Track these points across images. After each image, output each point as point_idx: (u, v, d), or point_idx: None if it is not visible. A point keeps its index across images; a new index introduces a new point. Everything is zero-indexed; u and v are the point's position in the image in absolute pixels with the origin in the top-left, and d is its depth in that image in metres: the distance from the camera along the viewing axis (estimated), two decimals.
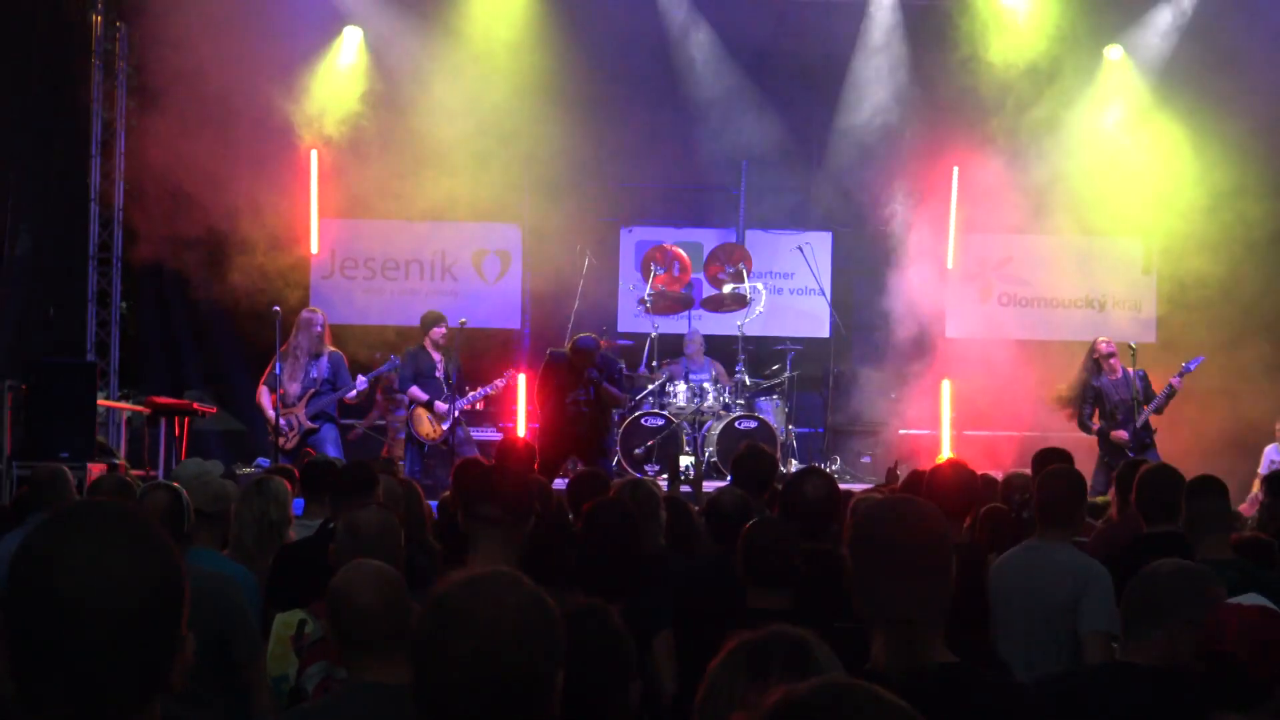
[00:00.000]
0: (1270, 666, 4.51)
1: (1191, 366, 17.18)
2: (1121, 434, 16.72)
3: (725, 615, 5.92)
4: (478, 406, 18.57)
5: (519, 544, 6.09)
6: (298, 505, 9.49)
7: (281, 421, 16.96)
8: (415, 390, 17.68)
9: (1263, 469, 18.01)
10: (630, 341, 19.84)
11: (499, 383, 18.04)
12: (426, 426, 17.60)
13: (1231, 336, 19.18)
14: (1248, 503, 15.01)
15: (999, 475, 11.81)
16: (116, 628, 2.60)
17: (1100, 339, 17.34)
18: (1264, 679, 4.51)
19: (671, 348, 19.66)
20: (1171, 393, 17.01)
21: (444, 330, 17.95)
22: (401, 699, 4.73)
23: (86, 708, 2.62)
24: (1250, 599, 4.69)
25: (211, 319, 20.44)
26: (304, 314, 17.35)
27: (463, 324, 17.76)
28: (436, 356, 17.86)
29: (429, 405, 17.61)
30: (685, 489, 12.39)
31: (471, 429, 18.92)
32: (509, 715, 3.06)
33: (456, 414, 17.56)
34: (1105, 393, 17.02)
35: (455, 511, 6.74)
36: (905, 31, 20.62)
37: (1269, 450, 18.43)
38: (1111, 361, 17.07)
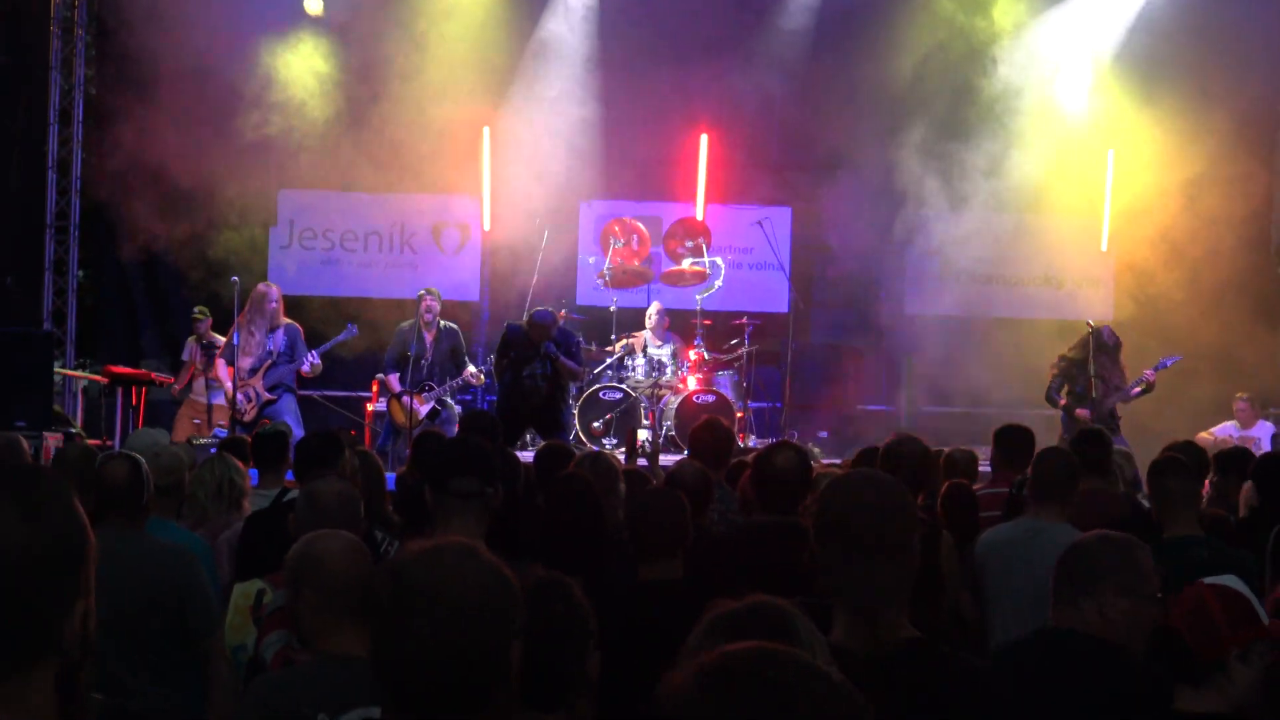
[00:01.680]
0: (1211, 647, 4.55)
1: (1168, 363, 17.20)
2: (1084, 412, 16.73)
3: None
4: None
5: (488, 515, 6.04)
6: (253, 476, 9.46)
7: (239, 395, 16.90)
8: (393, 379, 17.59)
9: (1219, 432, 18.14)
10: (582, 317, 19.76)
11: (469, 373, 17.85)
12: (399, 414, 17.52)
13: (1190, 315, 19.25)
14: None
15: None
16: None
17: (1107, 326, 17.30)
18: (1207, 658, 4.55)
19: (630, 321, 19.62)
20: (1145, 388, 17.01)
21: (433, 303, 17.76)
22: (350, 672, 4.76)
23: None
24: (1229, 580, 4.72)
25: (170, 289, 20.34)
26: (259, 288, 17.26)
27: (421, 296, 17.69)
28: (427, 337, 17.71)
29: (398, 397, 17.51)
30: (642, 462, 12.38)
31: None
32: (467, 687, 3.06)
33: (433, 404, 17.48)
34: (1077, 372, 17.01)
35: (415, 485, 6.70)
36: (865, 7, 20.58)
37: (1227, 427, 18.51)
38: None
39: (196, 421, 17.78)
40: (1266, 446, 18.04)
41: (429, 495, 6.09)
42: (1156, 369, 17.04)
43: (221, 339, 17.85)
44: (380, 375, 17.89)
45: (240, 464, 8.96)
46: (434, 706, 3.06)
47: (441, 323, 17.83)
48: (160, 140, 18.96)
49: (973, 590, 7.87)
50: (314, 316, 18.66)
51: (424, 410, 17.44)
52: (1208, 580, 4.72)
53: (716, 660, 2.55)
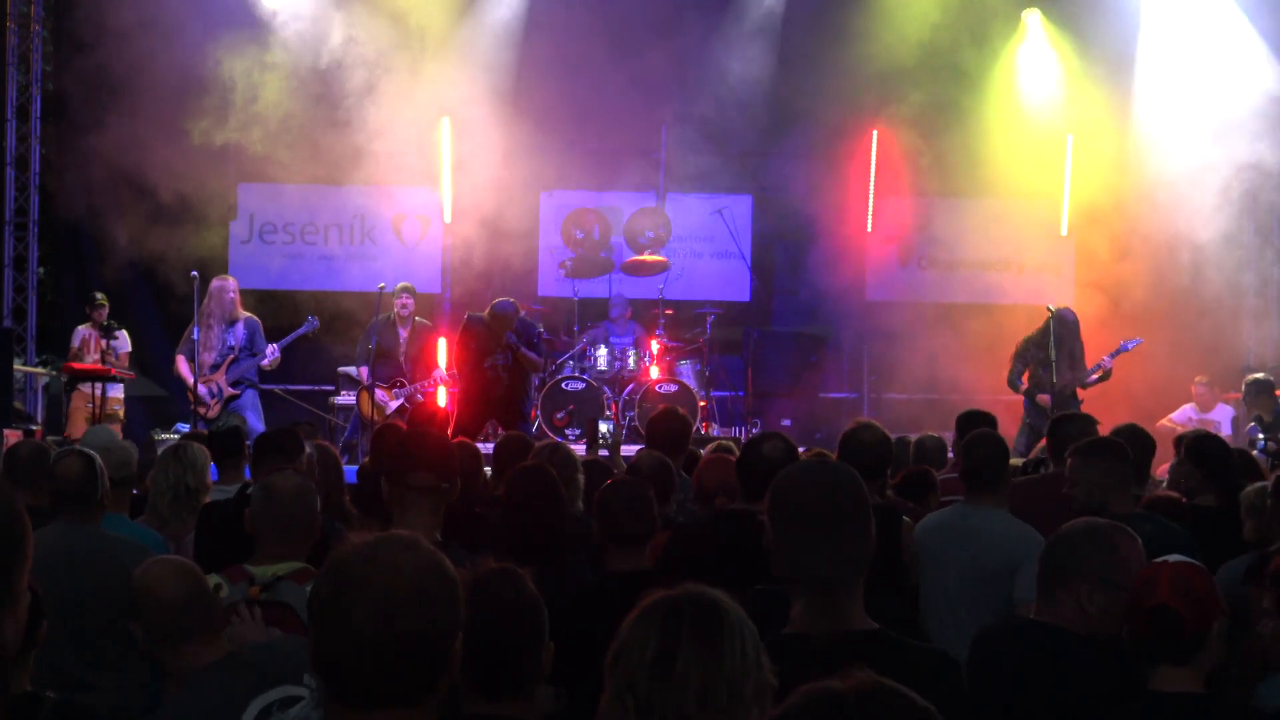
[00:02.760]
0: (1203, 619, 4.55)
1: (1128, 346, 17.19)
2: (1045, 397, 16.72)
3: None
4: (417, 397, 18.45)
5: (443, 509, 6.06)
6: (213, 471, 9.41)
7: (203, 389, 16.85)
8: (364, 371, 17.56)
9: (1178, 417, 18.18)
10: (542, 307, 19.74)
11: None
12: (366, 408, 17.50)
13: (1147, 299, 19.31)
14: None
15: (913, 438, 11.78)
16: None
17: (1065, 308, 17.27)
18: (1197, 631, 4.54)
19: (592, 312, 19.62)
20: (1104, 374, 16.98)
21: (408, 301, 17.78)
22: (226, 675, 4.75)
23: None
24: (1175, 559, 4.72)
25: (130, 285, 20.26)
26: (215, 282, 17.20)
27: (381, 289, 17.66)
28: (402, 333, 17.71)
29: (370, 389, 17.49)
30: (603, 453, 12.36)
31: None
32: (405, 677, 3.06)
33: (403, 401, 17.47)
34: (1039, 356, 16.95)
35: (376, 478, 6.69)
36: None
37: (1185, 410, 18.55)
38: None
39: (90, 406, 17.63)
40: (1227, 430, 18.09)
41: (385, 487, 6.08)
42: (1115, 354, 17.02)
43: (120, 331, 17.79)
44: (350, 369, 17.83)
45: (199, 459, 8.89)
46: (372, 697, 3.06)
47: (416, 319, 17.84)
48: (119, 135, 18.90)
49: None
50: (275, 310, 18.59)
51: (393, 406, 17.43)
52: (1172, 559, 4.72)
53: (812, 695, 2.67)
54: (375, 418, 17.16)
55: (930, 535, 7.62)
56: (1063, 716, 4.95)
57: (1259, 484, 7.97)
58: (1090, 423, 9.22)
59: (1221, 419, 18.40)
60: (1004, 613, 7.16)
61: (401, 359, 17.69)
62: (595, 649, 4.04)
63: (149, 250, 19.30)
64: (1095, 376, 16.91)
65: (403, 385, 17.52)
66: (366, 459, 10.50)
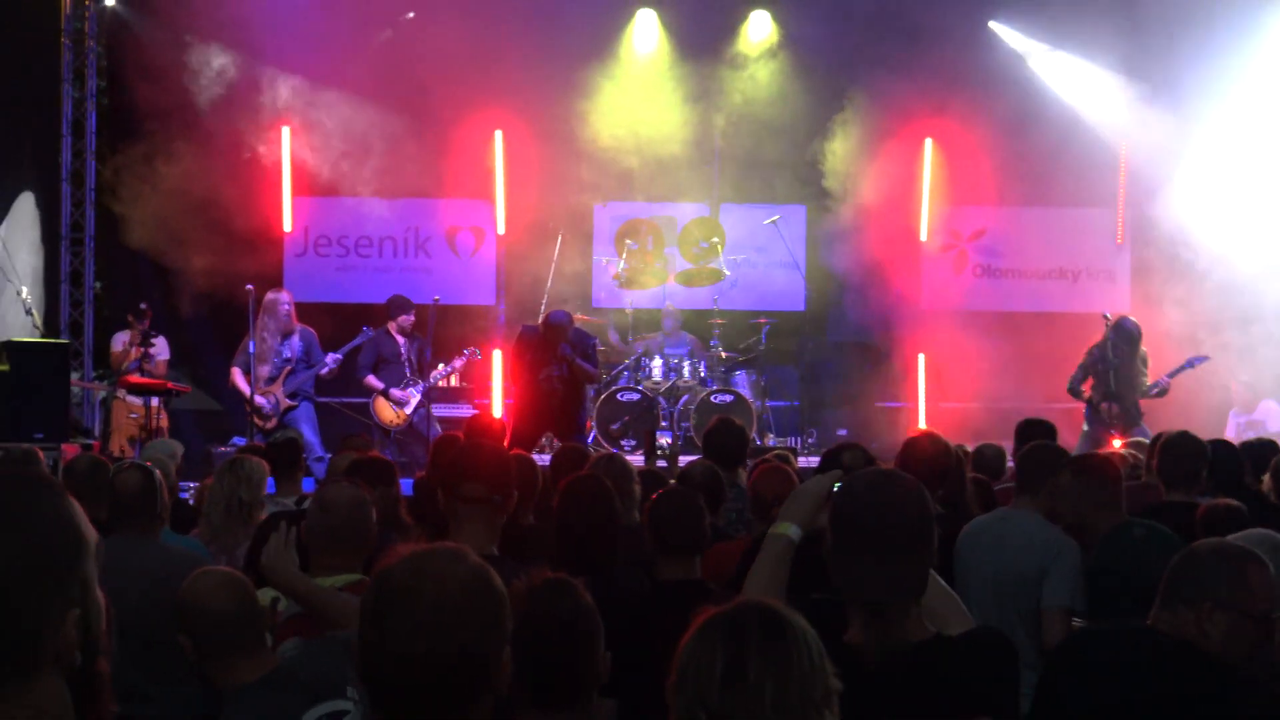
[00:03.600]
0: None
1: (1195, 363, 17.13)
2: (1108, 405, 16.63)
3: None
4: (453, 381, 18.53)
5: (500, 521, 6.07)
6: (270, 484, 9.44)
7: (262, 401, 16.94)
8: (371, 379, 17.69)
9: (1230, 433, 18.04)
10: (597, 318, 19.75)
11: (458, 362, 17.96)
12: (389, 414, 17.62)
13: (1207, 310, 19.20)
14: None
15: (971, 447, 11.76)
16: None
17: (1126, 317, 17.19)
18: None
19: (647, 322, 19.63)
20: (1160, 392, 16.87)
21: (412, 318, 17.92)
22: (269, 691, 4.76)
23: None
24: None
25: (186, 298, 20.32)
26: (269, 295, 17.32)
27: (436, 301, 17.76)
28: (400, 341, 17.84)
29: (385, 393, 17.58)
30: (661, 463, 12.37)
31: (447, 405, 18.88)
32: (452, 689, 3.07)
33: (419, 397, 17.55)
34: (1102, 364, 16.87)
35: (433, 490, 6.70)
36: (875, 5, 20.52)
37: (1232, 415, 18.46)
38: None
39: (134, 415, 17.73)
40: (1273, 427, 18.01)
41: (441, 499, 6.09)
42: (1176, 372, 16.95)
43: (159, 339, 17.90)
44: (377, 384, 17.87)
45: (254, 473, 8.90)
46: (418, 707, 3.08)
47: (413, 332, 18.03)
48: (174, 150, 19.01)
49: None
50: (330, 323, 18.63)
51: (411, 404, 17.52)
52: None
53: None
54: (398, 420, 17.30)
55: (965, 539, 7.64)
56: None
57: None
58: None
59: (1265, 417, 18.30)
60: (1031, 617, 7.22)
61: (405, 364, 17.76)
62: (646, 658, 4.03)
63: (204, 264, 19.35)
64: (1155, 392, 16.81)
65: (415, 383, 17.63)
66: (421, 472, 10.54)
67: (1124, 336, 16.67)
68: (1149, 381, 16.83)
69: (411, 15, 20.13)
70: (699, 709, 3.25)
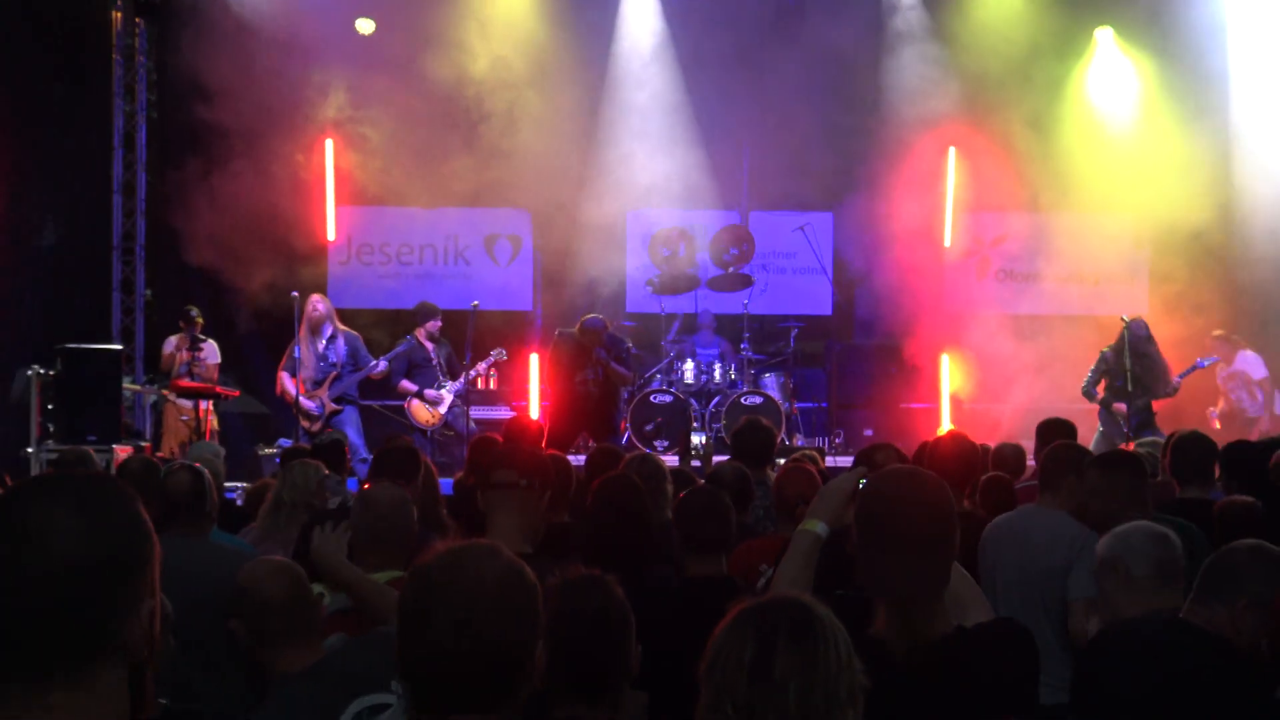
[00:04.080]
0: None
1: (1203, 364, 17.15)
2: (1121, 406, 16.65)
3: None
4: (491, 384, 18.57)
5: (533, 513, 6.06)
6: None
7: (310, 404, 17.02)
8: (404, 384, 17.76)
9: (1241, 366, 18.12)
10: (630, 323, 19.78)
11: (482, 366, 17.97)
12: (424, 415, 17.68)
13: (1225, 313, 19.18)
14: None
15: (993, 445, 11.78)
16: (45, 585, 2.58)
17: (1138, 319, 17.18)
18: None
19: (680, 327, 19.65)
20: (1171, 391, 16.88)
21: (439, 322, 17.98)
22: (324, 679, 4.78)
23: (26, 659, 2.61)
24: None
25: (233, 305, 20.39)
26: (308, 300, 17.43)
27: (475, 307, 17.81)
28: (430, 346, 17.90)
29: (419, 394, 17.65)
30: (695, 463, 12.38)
31: (485, 408, 18.95)
32: (485, 683, 3.10)
33: (452, 397, 17.61)
34: (1115, 367, 16.87)
35: (472, 487, 6.74)
36: (904, 15, 20.53)
37: (1243, 355, 18.45)
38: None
39: (184, 417, 17.81)
40: (1261, 372, 18.09)
41: (479, 494, 6.12)
42: (1185, 373, 16.98)
43: (207, 343, 18.09)
44: (410, 386, 17.89)
45: (300, 476, 8.94)
46: (454, 702, 3.10)
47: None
48: (221, 162, 19.08)
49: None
50: (372, 329, 18.70)
51: (445, 402, 17.57)
52: None
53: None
54: (433, 420, 17.34)
55: (996, 532, 7.68)
56: (1195, 713, 4.92)
57: None
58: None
59: (1245, 366, 18.29)
60: (1057, 610, 7.25)
61: (436, 369, 17.80)
62: (673, 652, 4.04)
63: (251, 272, 19.42)
64: (1165, 392, 16.81)
65: (444, 385, 17.70)
66: (461, 473, 10.57)
67: (1133, 339, 16.67)
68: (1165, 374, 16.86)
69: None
70: (726, 700, 3.27)
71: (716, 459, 12.54)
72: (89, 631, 2.63)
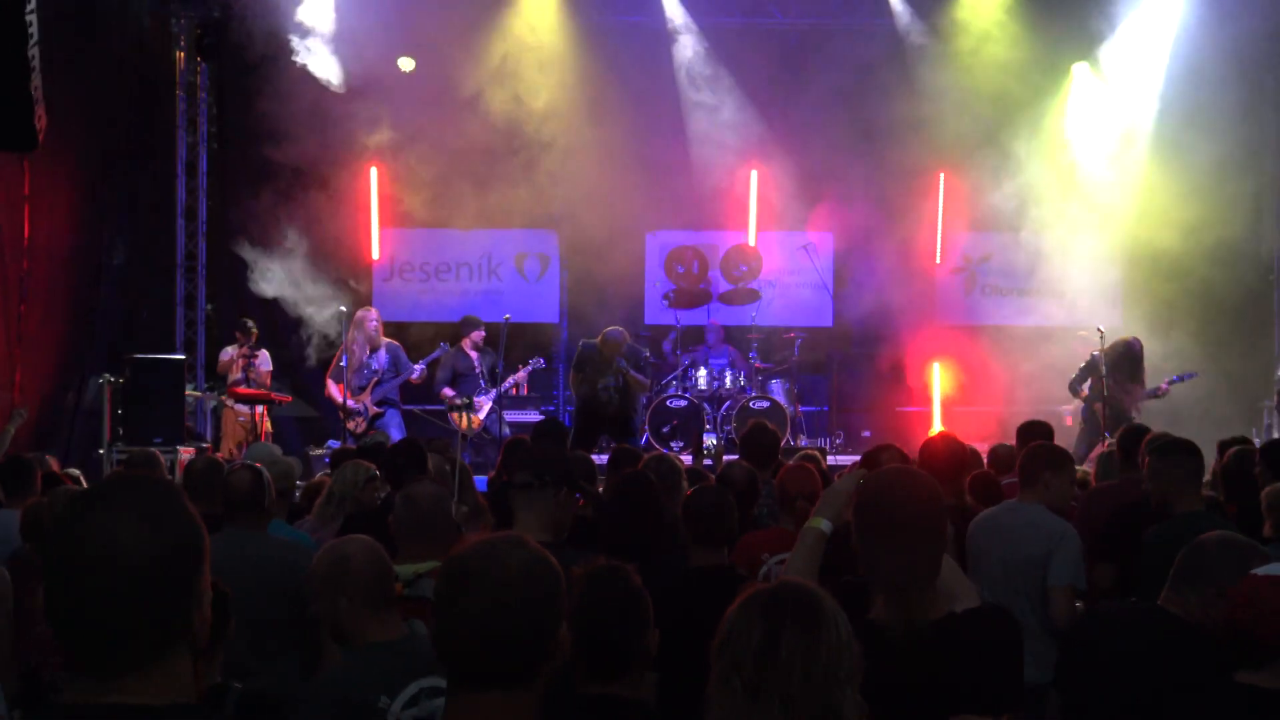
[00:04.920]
0: (1273, 632, 4.47)
1: (1184, 378, 17.10)
2: (1101, 405, 16.68)
3: None
4: (522, 392, 18.58)
5: (555, 508, 6.12)
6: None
7: (353, 405, 17.07)
8: (446, 391, 17.76)
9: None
10: (648, 334, 19.80)
11: (522, 374, 17.97)
12: (463, 423, 17.66)
13: (1196, 325, 19.15)
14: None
15: (984, 446, 11.83)
16: (124, 580, 2.61)
17: (1134, 338, 17.19)
18: (1266, 643, 4.48)
19: (693, 337, 19.68)
20: (1158, 396, 16.88)
21: (483, 333, 18.00)
22: (396, 653, 4.86)
23: (102, 651, 2.64)
24: (1264, 571, 4.65)
25: (286, 319, 20.46)
26: (358, 314, 17.55)
27: (507, 319, 17.88)
28: (474, 355, 17.90)
29: (463, 405, 17.66)
30: (708, 462, 12.40)
31: (516, 412, 18.99)
32: (512, 660, 3.14)
33: (490, 404, 17.61)
34: (1098, 369, 16.90)
35: (504, 484, 6.79)
36: (899, 51, 20.50)
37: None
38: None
39: (241, 420, 17.88)
40: None
41: (508, 491, 6.17)
42: (1172, 382, 16.95)
43: (261, 351, 18.30)
44: (451, 394, 17.90)
45: (346, 474, 9.00)
46: (484, 678, 3.14)
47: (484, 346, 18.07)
48: (276, 189, 19.18)
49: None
50: (413, 339, 18.74)
51: (485, 408, 17.58)
52: (1259, 571, 4.64)
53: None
54: (471, 428, 17.35)
55: (981, 526, 7.72)
56: (1163, 692, 4.93)
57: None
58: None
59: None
60: (1037, 597, 7.30)
61: (479, 377, 17.81)
62: (681, 634, 4.04)
63: (303, 288, 19.50)
64: (1147, 396, 16.84)
65: (487, 392, 17.70)
66: (494, 471, 10.60)
67: (1125, 353, 16.74)
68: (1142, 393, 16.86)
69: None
70: (734, 676, 3.31)
71: (727, 459, 12.58)
72: (158, 625, 2.66)
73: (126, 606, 2.61)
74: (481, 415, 17.66)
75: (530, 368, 17.94)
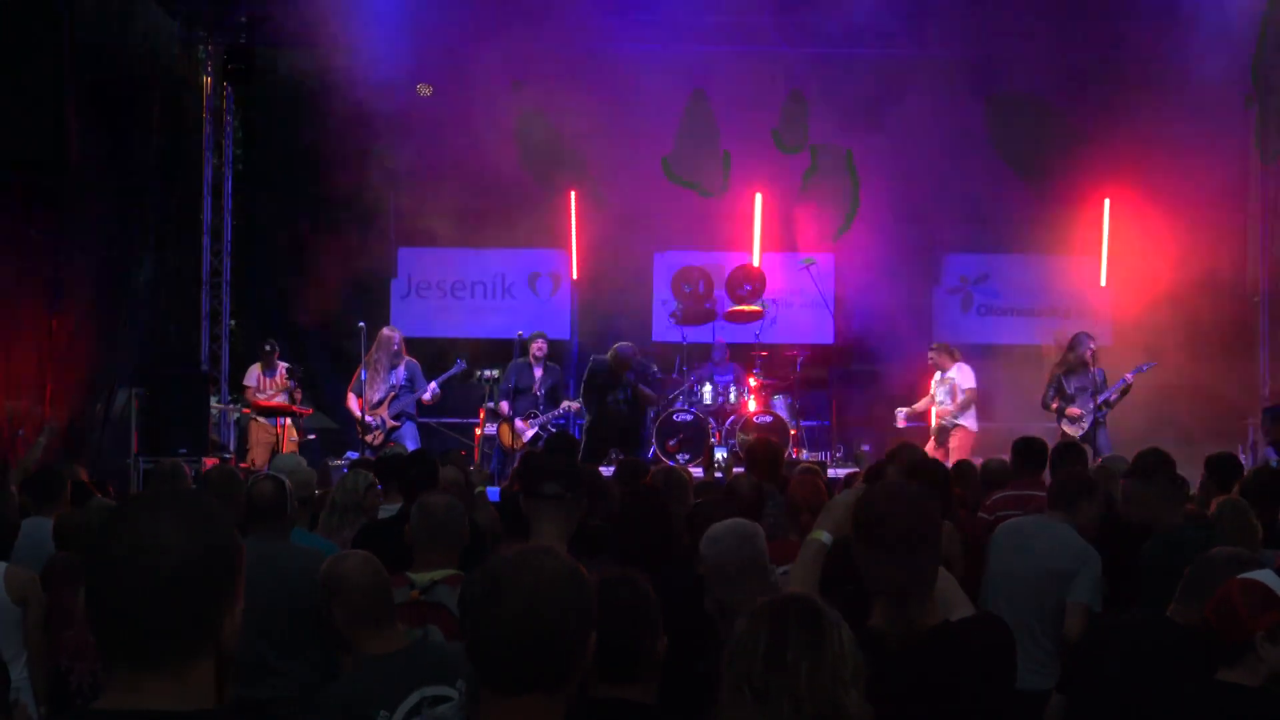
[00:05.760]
0: (1238, 632, 4.61)
1: (1145, 368, 17.13)
2: (1075, 410, 16.79)
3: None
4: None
5: (573, 520, 6.14)
6: None
7: (370, 419, 17.09)
8: (504, 405, 17.76)
9: (954, 375, 18.10)
10: (656, 351, 19.80)
11: (566, 409, 17.97)
12: (507, 438, 17.67)
13: (1177, 339, 19.16)
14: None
15: (977, 460, 11.84)
16: (162, 585, 2.64)
17: (1078, 334, 17.35)
18: (1235, 642, 4.61)
19: (699, 354, 19.69)
20: (1126, 388, 16.97)
21: (542, 345, 18.03)
22: (396, 665, 4.82)
23: (140, 652, 2.67)
24: (1263, 575, 4.72)
25: (308, 333, 20.53)
26: (383, 332, 17.52)
27: (520, 335, 17.93)
28: (538, 372, 17.88)
29: (509, 420, 17.66)
30: (718, 476, 12.42)
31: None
32: (546, 665, 3.14)
33: (535, 430, 17.59)
34: (1065, 381, 17.06)
35: (516, 495, 6.80)
36: (884, 93, 20.48)
37: (959, 365, 18.37)
38: (1085, 357, 17.02)
39: (271, 438, 17.92)
40: (966, 383, 18.12)
41: (524, 502, 6.16)
42: (1134, 372, 17.03)
43: (281, 369, 18.29)
44: (489, 404, 17.94)
45: (349, 482, 9.05)
46: (518, 683, 3.14)
47: (547, 361, 18.00)
48: (297, 211, 19.26)
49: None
50: (429, 354, 18.75)
51: (529, 434, 17.56)
52: (1240, 576, 4.72)
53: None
54: (515, 445, 17.31)
55: (1009, 535, 7.73)
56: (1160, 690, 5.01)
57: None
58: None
59: (959, 375, 18.16)
60: (1052, 609, 7.33)
61: (536, 394, 17.82)
62: (684, 638, 4.06)
63: (324, 304, 19.57)
64: (1115, 397, 16.92)
65: (536, 416, 17.67)
66: (505, 482, 10.61)
67: (1071, 351, 16.95)
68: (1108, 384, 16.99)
69: (519, 83, 20.20)
70: (745, 684, 3.34)
71: (737, 471, 12.59)
72: (192, 629, 2.69)
73: (162, 603, 2.64)
74: (526, 438, 17.61)
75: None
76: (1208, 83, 18.86)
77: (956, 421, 17.87)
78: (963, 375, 18.15)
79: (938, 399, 18.21)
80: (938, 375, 18.37)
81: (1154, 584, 7.01)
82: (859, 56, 20.54)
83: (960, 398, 17.91)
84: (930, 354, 18.55)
